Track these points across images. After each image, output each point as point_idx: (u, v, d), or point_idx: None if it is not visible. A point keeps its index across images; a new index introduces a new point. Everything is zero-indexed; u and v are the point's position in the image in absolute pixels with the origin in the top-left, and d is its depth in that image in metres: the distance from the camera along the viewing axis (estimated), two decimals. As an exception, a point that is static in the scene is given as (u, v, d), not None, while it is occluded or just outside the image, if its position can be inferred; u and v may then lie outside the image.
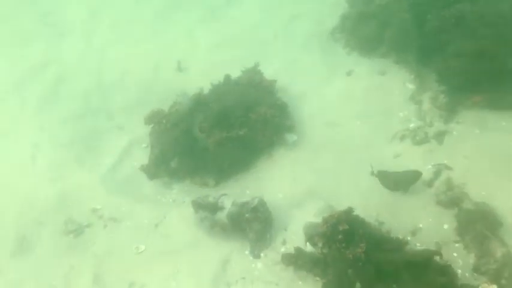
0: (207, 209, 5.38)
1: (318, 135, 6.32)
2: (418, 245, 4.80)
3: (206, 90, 6.54)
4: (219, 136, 5.88)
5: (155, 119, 6.17)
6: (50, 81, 7.39)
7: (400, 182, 5.30)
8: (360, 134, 6.19)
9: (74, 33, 8.28)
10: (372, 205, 5.31)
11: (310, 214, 5.37)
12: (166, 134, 6.07)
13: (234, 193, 5.80)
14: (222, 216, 5.26)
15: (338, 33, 7.51)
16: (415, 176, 5.25)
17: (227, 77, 6.40)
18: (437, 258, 4.28)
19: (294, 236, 5.21)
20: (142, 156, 6.39)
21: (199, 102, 6.24)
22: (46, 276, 5.18)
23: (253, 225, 5.14)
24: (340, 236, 4.37)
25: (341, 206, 5.32)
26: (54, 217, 5.70)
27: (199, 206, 5.45)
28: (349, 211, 4.60)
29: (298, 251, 4.83)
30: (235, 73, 6.80)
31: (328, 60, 7.29)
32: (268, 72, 6.81)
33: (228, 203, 5.31)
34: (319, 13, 8.01)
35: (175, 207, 5.77)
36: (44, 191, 5.93)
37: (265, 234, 5.19)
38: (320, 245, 4.61)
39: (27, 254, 5.40)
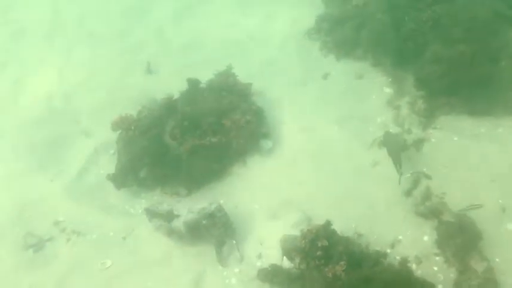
0: (162, 217, 5.13)
1: (294, 141, 6.09)
2: (397, 258, 4.63)
3: (177, 94, 6.23)
4: (191, 143, 5.60)
5: (123, 125, 5.82)
6: (8, 81, 6.90)
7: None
8: (337, 141, 5.99)
9: (36, 31, 7.77)
10: (351, 216, 5.13)
11: (288, 226, 5.15)
12: (135, 141, 5.73)
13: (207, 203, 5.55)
14: (178, 223, 5.01)
15: (314, 35, 7.28)
16: None
17: (197, 81, 6.08)
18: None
19: (270, 250, 4.98)
20: (109, 163, 6.03)
21: (170, 108, 5.92)
22: (4, 295, 4.83)
23: (212, 231, 4.94)
24: (318, 252, 4.17)
25: (319, 216, 5.16)
26: (12, 230, 5.34)
27: (153, 214, 5.19)
28: (327, 225, 4.41)
29: (275, 268, 4.61)
30: (208, 75, 6.49)
31: (304, 62, 7.06)
32: (243, 74, 6.52)
33: (183, 210, 5.07)
34: (295, 13, 7.74)
35: (144, 219, 5.44)
36: (1, 202, 5.50)
37: (226, 239, 4.98)
38: (297, 260, 4.41)
39: (-18, 271, 5.00)
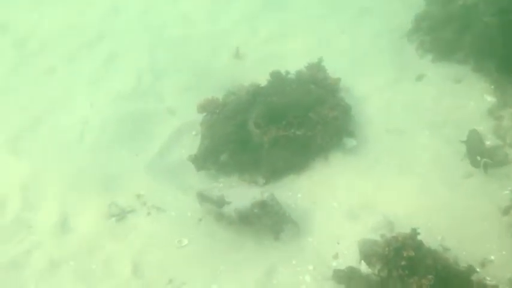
0: (213, 202, 5.11)
1: (380, 142, 5.84)
2: (488, 279, 4.30)
3: (264, 82, 6.18)
4: (275, 134, 5.53)
5: (209, 108, 5.88)
6: (102, 55, 7.20)
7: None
8: (426, 146, 5.67)
9: (130, 7, 8.02)
10: (437, 227, 4.84)
11: (367, 229, 4.96)
12: (219, 125, 5.77)
13: (284, 195, 5.48)
14: (228, 210, 4.96)
15: (411, 33, 6.92)
16: None
17: (287, 71, 5.99)
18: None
19: (346, 251, 4.82)
20: (191, 144, 6.12)
21: (257, 96, 5.89)
22: (86, 258, 5.03)
23: (263, 220, 4.86)
24: (403, 262, 3.95)
25: (401, 223, 4.94)
26: (98, 199, 5.53)
27: (204, 198, 5.18)
28: (414, 235, 4.17)
29: (352, 270, 4.44)
30: (295, 66, 6.39)
31: (397, 61, 6.75)
32: (332, 69, 6.35)
33: (234, 197, 5.00)
34: (391, 9, 7.42)
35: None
36: (90, 170, 5.76)
37: (282, 226, 4.89)
38: (378, 267, 4.21)
39: (68, 232, 5.27)
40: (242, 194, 5.02)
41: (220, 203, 5.05)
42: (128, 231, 5.28)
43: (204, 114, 5.97)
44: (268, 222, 4.89)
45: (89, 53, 7.24)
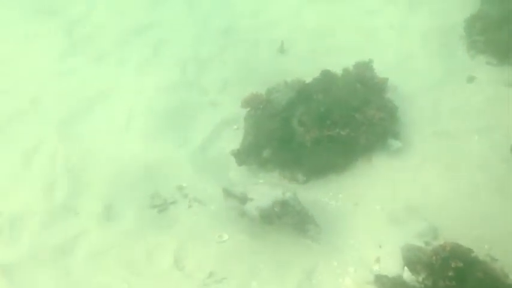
0: (236, 198, 5.12)
1: (426, 145, 5.72)
2: (537, 295, 4.17)
3: (308, 77, 6.11)
4: (319, 133, 5.48)
5: (253, 103, 5.86)
6: (150, 45, 7.25)
7: None
8: (475, 151, 5.52)
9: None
10: (483, 236, 4.72)
11: (410, 234, 4.88)
12: (263, 122, 5.75)
13: (325, 195, 5.46)
14: (250, 207, 4.96)
15: (464, 32, 6.68)
16: None
17: (334, 69, 5.89)
18: None
19: (389, 256, 4.76)
20: (232, 138, 6.15)
21: (301, 93, 5.83)
22: (129, 247, 5.12)
23: (284, 219, 4.86)
24: (450, 273, 3.87)
25: (447, 230, 4.85)
26: (141, 188, 5.62)
27: (228, 194, 5.20)
28: (464, 246, 4.07)
29: (395, 277, 4.39)
30: (341, 62, 6.29)
31: (447, 61, 6.55)
32: (378, 66, 6.21)
33: (257, 195, 4.99)
34: (443, 6, 7.18)
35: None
36: (135, 159, 5.86)
37: (306, 226, 4.88)
38: (423, 275, 4.15)
39: (113, 221, 5.37)
40: (265, 192, 5.02)
41: (243, 199, 5.08)
42: (169, 222, 5.35)
43: (248, 109, 5.95)
44: (289, 221, 4.89)
45: (137, 42, 7.30)
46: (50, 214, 5.36)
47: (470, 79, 6.25)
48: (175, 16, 7.72)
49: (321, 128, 5.50)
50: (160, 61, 7.05)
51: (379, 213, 5.16)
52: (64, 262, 5.01)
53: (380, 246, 4.86)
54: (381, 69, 6.18)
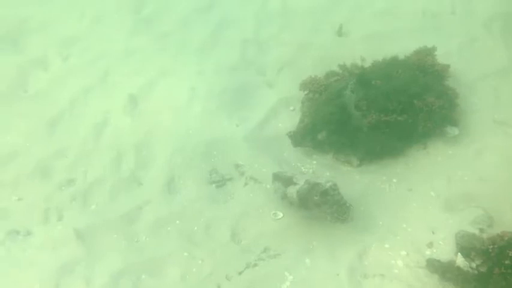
0: (282, 181, 5.28)
1: (484, 133, 5.67)
2: None
3: (366, 63, 6.14)
4: (376, 118, 5.53)
5: (312, 86, 5.98)
6: (211, 25, 7.43)
7: None
8: (536, 143, 5.43)
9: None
10: (540, 228, 4.70)
11: (465, 221, 4.93)
12: (321, 105, 5.85)
13: (378, 179, 5.55)
14: (292, 190, 5.12)
15: (531, 19, 6.48)
16: None
17: (395, 55, 5.89)
18: None
19: (442, 241, 4.85)
20: (288, 119, 6.30)
21: (360, 78, 5.87)
22: (190, 219, 5.44)
23: (323, 208, 4.97)
24: (507, 262, 3.93)
25: (502, 219, 4.88)
26: (201, 164, 5.90)
27: (276, 177, 5.38)
28: (520, 235, 4.10)
29: (448, 262, 4.48)
30: (400, 46, 6.29)
31: (510, 47, 6.36)
32: (440, 51, 6.15)
33: (302, 180, 5.11)
34: (508, -10, 6.94)
35: (315, 179, 5.65)
36: (195, 136, 6.14)
37: (342, 216, 4.98)
38: (477, 262, 4.22)
39: (174, 193, 5.70)
40: (309, 180, 5.11)
41: (288, 182, 5.24)
42: (226, 198, 5.62)
43: (306, 92, 6.07)
44: (327, 210, 5.00)
45: (199, 21, 7.48)
46: (117, 184, 5.76)
47: (535, 67, 6.08)
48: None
49: (378, 113, 5.55)
50: (221, 41, 7.22)
51: (433, 199, 5.22)
52: (130, 229, 5.41)
53: (433, 232, 4.94)
54: (441, 54, 6.12)
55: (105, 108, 6.46)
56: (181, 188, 5.76)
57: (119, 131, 6.23)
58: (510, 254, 3.90)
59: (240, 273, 4.96)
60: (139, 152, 6.04)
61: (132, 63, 6.98)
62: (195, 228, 5.39)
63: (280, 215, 5.42)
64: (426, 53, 5.91)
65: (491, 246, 4.02)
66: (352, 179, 5.64)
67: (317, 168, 5.83)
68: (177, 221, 5.45)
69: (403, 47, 6.32)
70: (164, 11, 7.65)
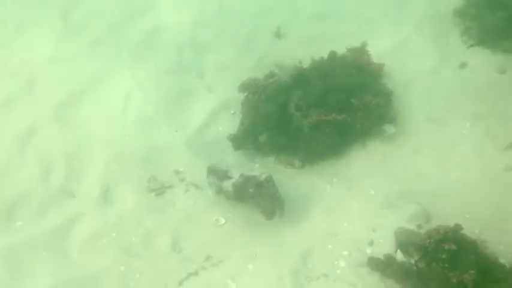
0: (216, 175, 5.27)
1: (419, 131, 5.82)
2: (526, 275, 4.31)
3: (305, 63, 6.14)
4: (316, 118, 5.53)
5: (251, 88, 5.88)
6: (145, 30, 7.18)
7: None
8: (467, 138, 5.64)
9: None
10: (474, 220, 4.86)
11: (403, 218, 5.00)
12: (260, 106, 5.78)
13: (321, 179, 5.54)
14: (227, 184, 5.12)
15: (457, 18, 6.74)
16: None
17: (332, 54, 5.93)
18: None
19: (382, 239, 4.89)
20: (228, 122, 6.17)
21: (298, 77, 5.86)
22: (127, 230, 5.18)
23: (257, 200, 5.01)
24: (444, 256, 3.99)
25: (439, 214, 4.98)
26: (138, 172, 5.65)
27: (210, 171, 5.35)
28: (457, 229, 4.19)
29: (388, 259, 4.51)
30: (337, 47, 6.32)
31: (441, 47, 6.61)
32: (373, 52, 6.29)
33: (237, 174, 5.13)
34: (436, -7, 7.22)
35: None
36: (132, 144, 5.87)
37: (275, 209, 5.04)
38: (416, 257, 4.27)
39: (110, 204, 5.40)
40: (244, 174, 5.13)
41: (223, 176, 5.21)
42: (166, 206, 5.40)
43: (246, 94, 5.98)
44: (261, 203, 5.01)
45: (133, 26, 7.22)
46: (47, 198, 5.38)
47: (463, 65, 6.33)
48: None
49: (318, 113, 5.54)
50: (156, 46, 6.98)
51: (373, 197, 5.27)
52: (61, 246, 5.06)
53: (373, 230, 4.98)
54: (375, 55, 6.25)
55: (30, 117, 6.03)
56: (117, 198, 5.47)
57: (47, 141, 5.83)
58: (446, 248, 3.96)
59: (180, 283, 4.76)
60: (70, 163, 5.68)
61: (61, 71, 6.58)
62: (133, 239, 5.13)
63: (223, 221, 5.27)
64: (361, 52, 5.99)
65: (428, 241, 4.08)
66: (294, 181, 5.60)
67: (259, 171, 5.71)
68: (114, 234, 5.16)
69: (340, 48, 6.36)
70: (94, 17, 7.31)
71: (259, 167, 5.78)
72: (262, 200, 5.00)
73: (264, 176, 5.03)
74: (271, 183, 5.05)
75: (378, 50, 6.48)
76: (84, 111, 6.18)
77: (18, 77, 6.51)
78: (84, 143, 5.86)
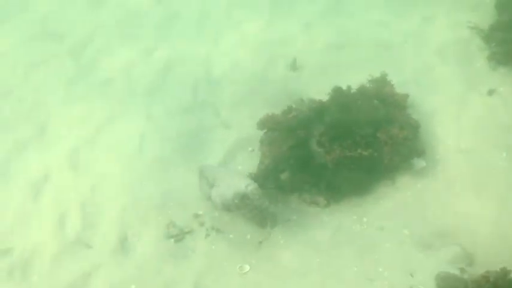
0: (206, 179, 5.21)
1: (451, 163, 5.49)
2: None
3: (322, 95, 5.89)
4: (340, 154, 5.24)
5: (269, 124, 5.64)
6: (158, 67, 7.03)
7: None
8: (505, 169, 5.29)
9: (186, 15, 7.81)
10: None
11: (443, 261, 4.64)
12: (280, 143, 5.52)
13: (349, 219, 5.23)
14: (214, 194, 5.08)
15: (482, 43, 6.49)
16: None
17: (350, 87, 5.69)
18: None
19: (422, 285, 4.51)
20: (247, 160, 5.92)
21: (319, 112, 5.61)
22: (146, 281, 4.89)
23: (243, 211, 4.98)
24: (496, 307, 3.63)
25: (482, 255, 4.63)
26: (156, 217, 5.39)
27: (202, 175, 5.30)
28: (505, 273, 3.82)
29: (433, 309, 4.14)
30: (356, 78, 6.10)
31: (466, 73, 6.33)
32: (395, 81, 6.02)
33: (223, 183, 5.04)
34: (456, 17, 6.97)
35: (280, 224, 5.24)
36: (148, 187, 5.62)
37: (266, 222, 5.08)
38: (462, 307, 3.90)
39: (128, 253, 5.13)
40: (230, 183, 5.02)
41: (211, 183, 5.15)
42: (187, 253, 5.12)
43: (265, 131, 5.73)
44: (247, 214, 4.98)
45: (145, 64, 7.08)
46: (62, 249, 5.13)
47: (491, 92, 6.03)
48: (183, 33, 7.49)
49: (341, 149, 5.27)
50: (169, 82, 6.81)
51: (407, 238, 4.93)
52: (78, 299, 4.78)
53: (412, 275, 4.62)
54: (397, 84, 5.98)
55: (44, 163, 5.84)
56: (136, 246, 5.21)
57: (61, 188, 5.62)
58: (498, 298, 3.61)
59: None
60: (85, 210, 5.45)
61: (73, 112, 6.43)
62: (153, 291, 4.83)
63: (247, 268, 4.95)
64: (383, 83, 5.74)
65: (476, 289, 3.72)
66: (320, 221, 5.30)
67: (282, 211, 5.43)
68: (133, 286, 4.86)
69: (358, 78, 6.14)
70: (104, 54, 7.19)
71: (281, 207, 5.49)
72: (248, 211, 4.97)
73: (250, 188, 4.92)
74: (257, 196, 4.95)
75: (400, 79, 6.22)
76: (98, 154, 5.98)
77: (30, 121, 6.37)
78: (99, 188, 5.64)
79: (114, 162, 5.88)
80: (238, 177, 5.16)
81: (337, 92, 5.76)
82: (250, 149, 6.04)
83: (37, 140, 6.14)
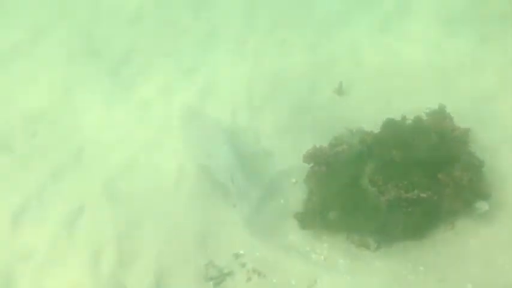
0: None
1: (518, 206, 4.99)
2: None
3: (374, 126, 5.45)
4: (395, 194, 4.83)
5: (317, 159, 5.26)
6: (196, 90, 6.72)
7: None
8: None
9: (227, 35, 7.49)
10: None
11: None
12: (329, 180, 5.15)
13: (402, 266, 4.79)
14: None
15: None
16: None
17: (404, 118, 5.25)
18: None
19: None
20: (290, 193, 5.56)
21: (370, 145, 5.20)
22: (184, 328, 4.60)
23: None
24: None
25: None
26: (195, 257, 5.08)
27: None
28: None
29: None
30: (408, 106, 5.68)
31: (532, 102, 5.80)
32: (452, 111, 5.53)
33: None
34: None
35: (327, 270, 4.89)
36: (187, 223, 5.32)
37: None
38: None
39: (164, 297, 4.84)
40: None
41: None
42: (227, 298, 4.79)
43: (311, 165, 5.35)
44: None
45: (183, 85, 6.79)
46: (97, 289, 4.87)
47: None
48: (225, 56, 7.15)
49: (397, 189, 4.85)
50: (207, 107, 6.48)
51: (471, 292, 4.47)
52: None
53: None
54: (453, 115, 5.50)
55: (79, 194, 5.59)
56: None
57: (97, 222, 5.35)
58: None
59: None
60: (121, 246, 5.17)
61: (110, 137, 6.16)
62: None
63: (293, 319, 4.59)
64: (442, 116, 5.28)
65: None
66: (371, 266, 4.90)
67: (329, 253, 5.07)
68: (170, 332, 4.57)
69: (410, 106, 5.71)
70: (143, 75, 6.92)
71: (328, 247, 5.15)
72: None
73: None
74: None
75: (457, 109, 5.71)
76: (135, 185, 5.69)
77: (66, 146, 6.14)
78: (135, 222, 5.35)
79: (151, 193, 5.58)
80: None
81: (390, 123, 5.35)
82: (293, 180, 5.68)
83: (72, 167, 5.89)
